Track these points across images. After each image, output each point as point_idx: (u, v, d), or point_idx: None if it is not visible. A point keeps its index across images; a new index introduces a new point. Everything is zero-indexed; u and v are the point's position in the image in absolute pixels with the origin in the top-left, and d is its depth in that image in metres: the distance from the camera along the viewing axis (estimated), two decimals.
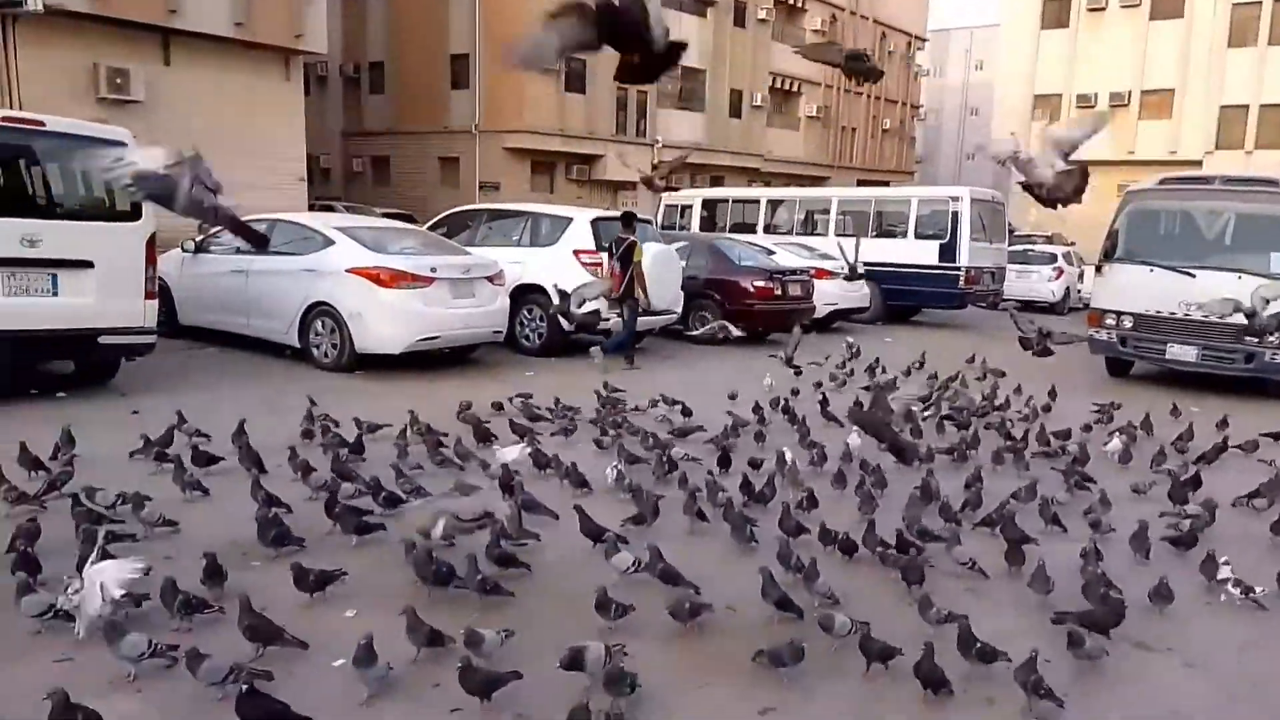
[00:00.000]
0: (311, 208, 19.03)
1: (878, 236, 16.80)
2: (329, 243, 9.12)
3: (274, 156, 19.38)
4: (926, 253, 16.03)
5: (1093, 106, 32.91)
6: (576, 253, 10.55)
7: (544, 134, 27.69)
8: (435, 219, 12.40)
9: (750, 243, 14.39)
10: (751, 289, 12.47)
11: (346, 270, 8.77)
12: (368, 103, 30.77)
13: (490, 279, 9.64)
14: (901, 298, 16.63)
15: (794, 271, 13.19)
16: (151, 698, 3.01)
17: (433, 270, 8.97)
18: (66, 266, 6.84)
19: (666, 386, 8.42)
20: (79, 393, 7.49)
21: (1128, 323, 10.42)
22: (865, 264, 15.54)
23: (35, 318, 6.74)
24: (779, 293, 12.63)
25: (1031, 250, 22.25)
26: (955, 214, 15.81)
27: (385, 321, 8.74)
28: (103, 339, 7.12)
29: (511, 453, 5.44)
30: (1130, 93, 32.64)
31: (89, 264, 6.94)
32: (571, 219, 10.90)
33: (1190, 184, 11.06)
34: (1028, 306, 21.55)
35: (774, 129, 37.18)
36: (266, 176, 18.98)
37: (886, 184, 36.06)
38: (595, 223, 10.81)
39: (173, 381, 8.06)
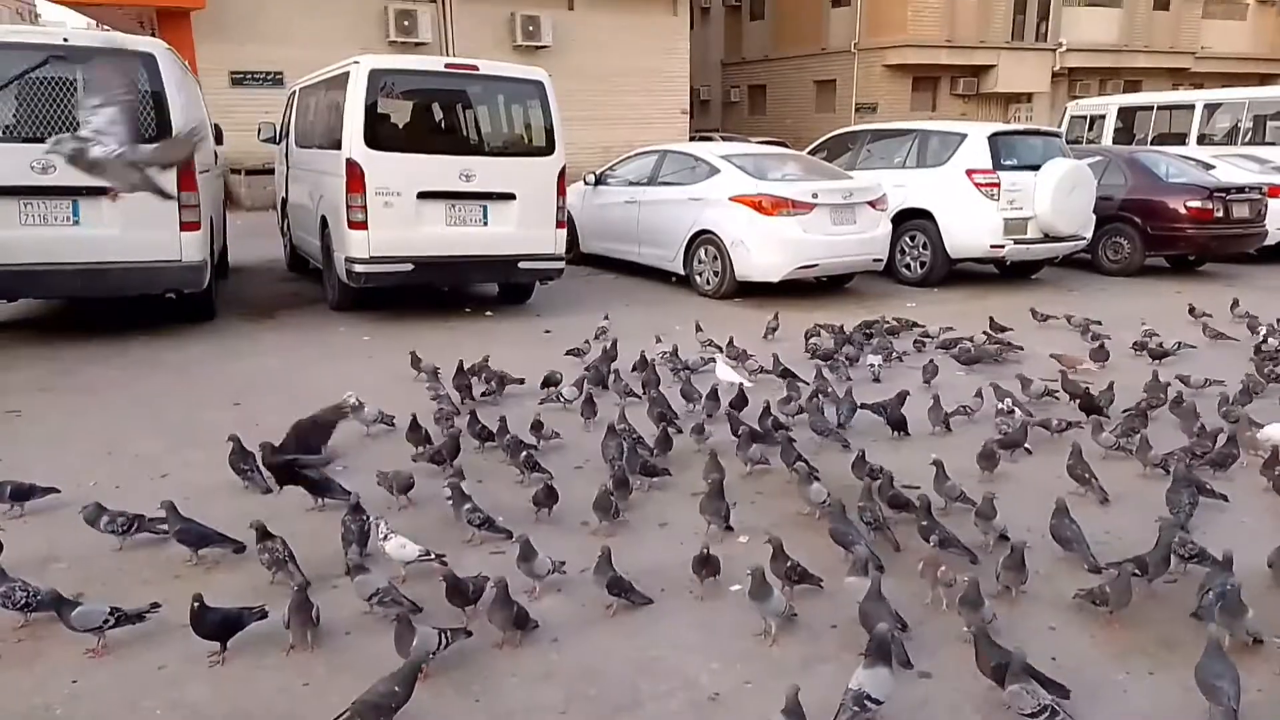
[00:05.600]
0: (691, 139, 19.66)
1: None
2: (714, 171, 9.26)
3: (660, 90, 20.27)
4: None
5: None
6: (969, 173, 9.68)
7: (929, 46, 25.89)
8: (816, 142, 12.11)
9: (1182, 156, 12.24)
10: (1183, 210, 10.62)
11: (730, 198, 8.86)
12: (747, 30, 30.92)
13: (872, 204, 9.22)
14: None
15: (1240, 189, 11.00)
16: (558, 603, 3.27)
17: (814, 196, 8.77)
18: (494, 199, 7.65)
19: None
20: (502, 313, 8.44)
21: None
22: None
23: (470, 244, 7.65)
24: (1220, 215, 10.62)
25: None
26: None
27: (765, 249, 8.72)
28: (522, 264, 7.91)
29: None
30: None
31: (511, 196, 7.69)
32: (965, 135, 9.98)
33: None
34: None
35: (1212, 20, 31.21)
36: (653, 110, 19.97)
37: None
38: (994, 139, 9.81)
39: (577, 305, 8.77)
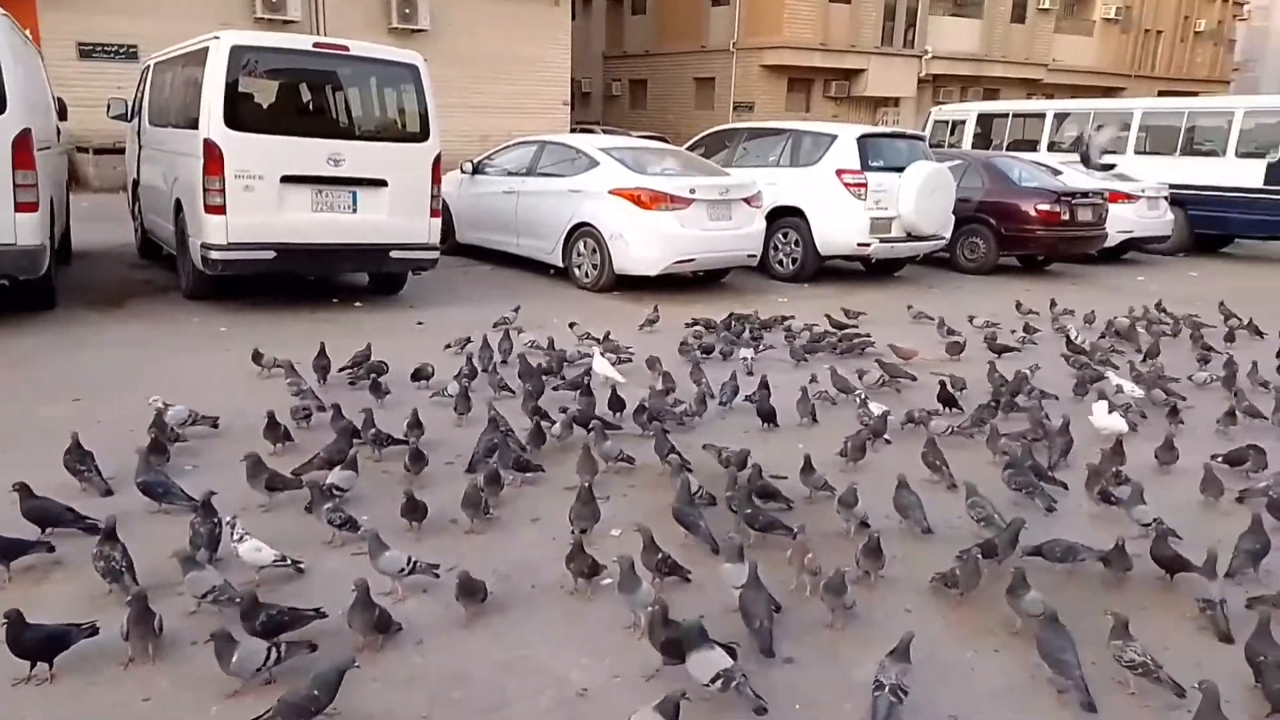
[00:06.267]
0: (573, 131, 19.58)
1: (1188, 154, 14.71)
2: (593, 164, 9.24)
3: (541, 80, 20.08)
4: (1249, 174, 13.78)
5: None
6: (839, 173, 10.00)
7: (804, 49, 26.62)
8: (694, 139, 12.25)
9: (1034, 161, 13.02)
10: (1033, 213, 11.30)
11: (609, 191, 8.86)
12: (629, 24, 31.00)
13: (747, 200, 9.40)
14: (1212, 226, 14.49)
15: (1085, 194, 11.79)
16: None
17: (691, 191, 8.87)
18: (365, 185, 7.39)
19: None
20: (373, 304, 8.18)
21: None
22: (1170, 186, 13.68)
23: (338, 232, 7.36)
24: (1066, 218, 11.35)
25: None
26: None
27: (643, 243, 8.77)
28: (394, 253, 7.68)
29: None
30: None
31: (383, 183, 7.45)
32: (835, 136, 10.31)
33: None
34: None
35: (1062, 34, 33.33)
36: (534, 100, 19.77)
37: (1194, 95, 31.42)
38: (862, 140, 10.16)
39: (451, 296, 8.59)
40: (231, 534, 3.19)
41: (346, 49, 7.48)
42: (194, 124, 7.04)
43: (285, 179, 7.07)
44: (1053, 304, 8.70)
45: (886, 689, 2.48)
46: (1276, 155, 13.63)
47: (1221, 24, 39.99)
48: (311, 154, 7.16)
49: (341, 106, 8.02)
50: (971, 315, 8.10)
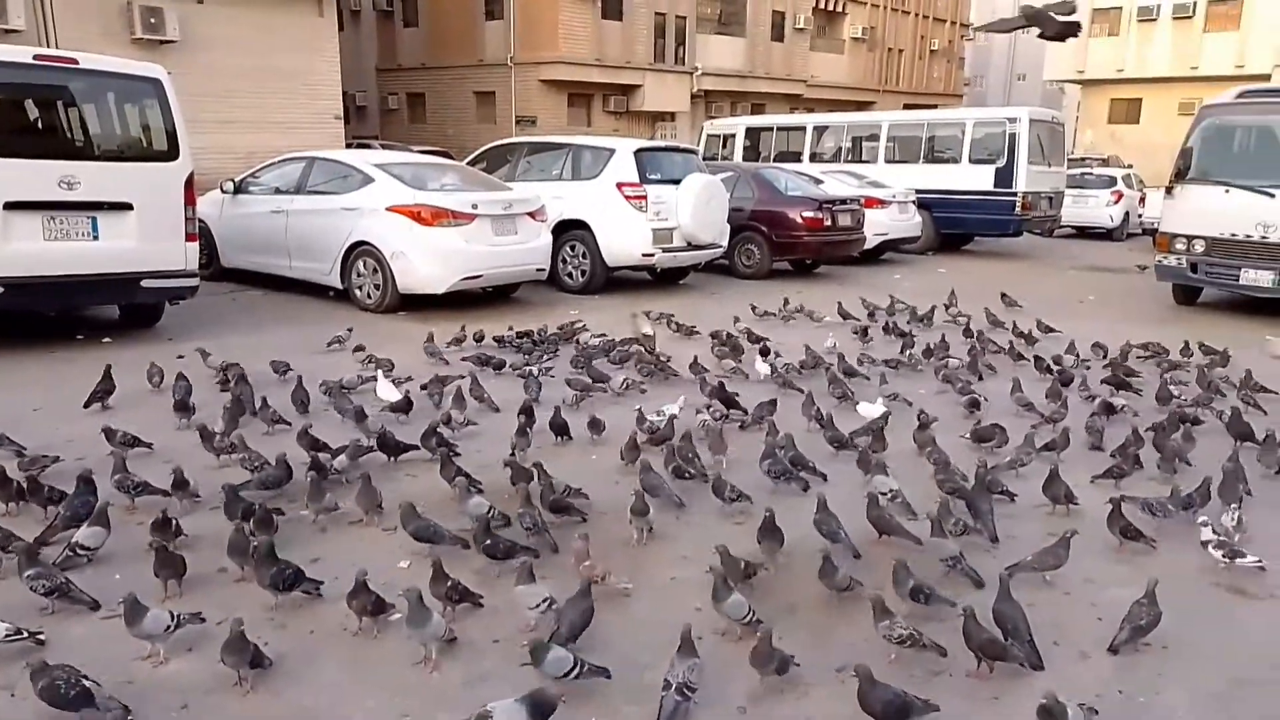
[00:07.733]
0: (349, 146, 18.83)
1: (930, 162, 16.25)
2: (368, 180, 8.92)
3: (310, 94, 19.16)
4: (981, 178, 15.43)
5: (1154, 20, 31.20)
6: (619, 186, 10.23)
7: (580, 64, 27.03)
8: (475, 154, 12.12)
9: (798, 172, 13.91)
10: (800, 220, 12.06)
11: (387, 209, 8.58)
12: (401, 37, 30.23)
13: (532, 215, 9.40)
14: (954, 226, 16.09)
15: (843, 201, 12.74)
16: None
17: (474, 207, 8.76)
18: (106, 209, 6.74)
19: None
20: (125, 338, 7.46)
21: (1199, 247, 9.92)
22: (917, 191, 15.05)
23: (77, 262, 6.66)
24: (828, 223, 12.21)
25: (1088, 174, 21.33)
26: (1012, 136, 15.13)
27: (427, 261, 8.57)
28: (145, 282, 7.04)
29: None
30: (1195, 3, 30.75)
31: (128, 206, 6.83)
32: (614, 150, 10.55)
33: (1272, 97, 10.34)
34: (1083, 233, 20.89)
35: (817, 53, 35.92)
36: (303, 114, 18.83)
37: (934, 108, 34.84)
38: (639, 154, 10.45)
39: (217, 326, 8.00)
40: None
41: (75, 61, 6.80)
42: None
43: (9, 205, 6.33)
44: (785, 302, 9.42)
45: (673, 688, 2.54)
46: (1003, 160, 15.33)
47: (951, 43, 44.61)
48: (39, 177, 6.45)
49: (75, 124, 7.26)
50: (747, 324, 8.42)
